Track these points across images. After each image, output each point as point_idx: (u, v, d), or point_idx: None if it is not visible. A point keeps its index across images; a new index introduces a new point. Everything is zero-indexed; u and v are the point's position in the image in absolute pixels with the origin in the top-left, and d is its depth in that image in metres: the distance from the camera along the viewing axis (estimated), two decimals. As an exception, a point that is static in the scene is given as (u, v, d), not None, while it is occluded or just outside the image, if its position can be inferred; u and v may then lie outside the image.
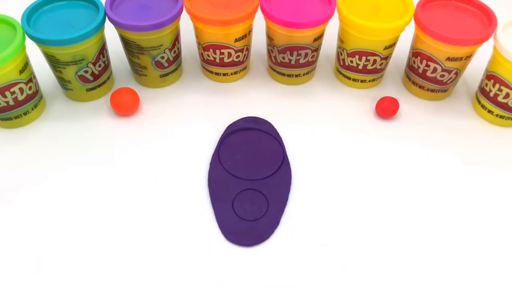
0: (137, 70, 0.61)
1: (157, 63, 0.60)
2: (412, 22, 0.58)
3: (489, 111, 0.59)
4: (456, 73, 0.59)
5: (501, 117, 0.59)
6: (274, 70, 0.63)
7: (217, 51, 0.59)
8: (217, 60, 0.61)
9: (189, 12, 0.56)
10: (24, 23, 0.53)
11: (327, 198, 0.52)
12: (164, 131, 0.58)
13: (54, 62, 0.56)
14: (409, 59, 0.62)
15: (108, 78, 0.61)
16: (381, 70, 0.62)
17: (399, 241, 0.49)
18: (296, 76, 0.63)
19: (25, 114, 0.57)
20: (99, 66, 0.58)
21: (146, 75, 0.61)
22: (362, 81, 0.63)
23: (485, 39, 0.55)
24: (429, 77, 0.60)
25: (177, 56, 0.61)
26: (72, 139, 0.57)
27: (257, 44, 0.66)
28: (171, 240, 0.48)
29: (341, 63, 0.62)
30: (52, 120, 0.59)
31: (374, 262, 0.47)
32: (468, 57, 0.57)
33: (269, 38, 0.60)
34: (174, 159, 0.55)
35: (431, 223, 0.50)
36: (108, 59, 0.60)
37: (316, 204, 0.51)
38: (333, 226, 0.50)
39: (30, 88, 0.56)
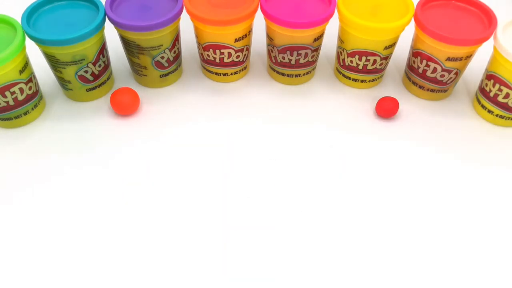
0: (137, 70, 0.61)
1: (157, 63, 0.60)
2: (412, 22, 0.58)
3: (489, 111, 0.59)
4: (456, 73, 0.59)
5: (501, 117, 0.59)
6: (274, 70, 0.63)
7: (217, 51, 0.59)
8: (217, 60, 0.61)
9: (189, 12, 0.56)
10: (24, 23, 0.53)
11: (327, 198, 0.52)
12: (164, 131, 0.58)
13: (54, 62, 0.56)
14: (409, 59, 0.62)
15: (108, 78, 0.61)
16: (381, 70, 0.62)
17: (399, 239, 0.49)
18: (296, 76, 0.63)
19: (25, 114, 0.57)
20: (99, 66, 0.58)
21: (146, 75, 0.61)
22: (362, 81, 0.63)
23: (485, 39, 0.55)
24: (429, 77, 0.60)
25: (177, 56, 0.61)
26: (72, 139, 0.57)
27: (257, 44, 0.66)
28: (170, 240, 0.48)
29: (341, 63, 0.62)
30: (52, 120, 0.59)
31: (374, 263, 0.47)
32: (468, 57, 0.57)
33: (269, 38, 0.60)
34: (174, 159, 0.55)
35: (430, 223, 0.50)
36: (108, 59, 0.60)
37: (316, 203, 0.51)
38: (333, 226, 0.50)
39: (30, 88, 0.56)
